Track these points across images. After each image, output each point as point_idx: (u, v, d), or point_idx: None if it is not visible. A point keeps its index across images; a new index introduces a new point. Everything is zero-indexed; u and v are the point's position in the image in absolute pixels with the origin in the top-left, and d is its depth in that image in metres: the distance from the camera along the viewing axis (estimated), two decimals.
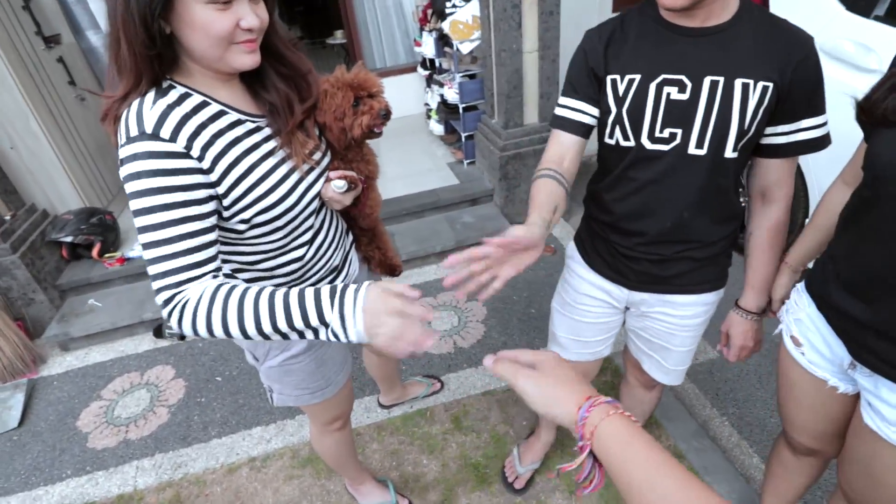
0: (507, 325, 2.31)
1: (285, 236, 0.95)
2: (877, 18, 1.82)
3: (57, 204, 2.78)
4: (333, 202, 1.00)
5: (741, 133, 0.91)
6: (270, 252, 0.96)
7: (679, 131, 0.93)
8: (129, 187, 0.74)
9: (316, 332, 0.74)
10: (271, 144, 0.88)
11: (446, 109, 3.32)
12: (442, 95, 3.29)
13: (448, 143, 3.56)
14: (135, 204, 0.73)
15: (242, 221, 0.87)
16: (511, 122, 2.71)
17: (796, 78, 0.88)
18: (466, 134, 3.13)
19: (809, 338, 0.97)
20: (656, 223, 1.04)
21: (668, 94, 0.92)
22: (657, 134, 0.95)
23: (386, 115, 1.04)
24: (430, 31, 3.21)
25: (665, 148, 0.95)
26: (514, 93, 2.62)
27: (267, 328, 0.73)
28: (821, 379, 0.97)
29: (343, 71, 1.01)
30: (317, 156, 0.97)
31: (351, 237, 1.23)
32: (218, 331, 0.74)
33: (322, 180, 0.98)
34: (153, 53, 0.74)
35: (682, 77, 0.91)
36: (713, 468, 1.66)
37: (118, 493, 1.81)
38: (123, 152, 0.74)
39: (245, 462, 1.86)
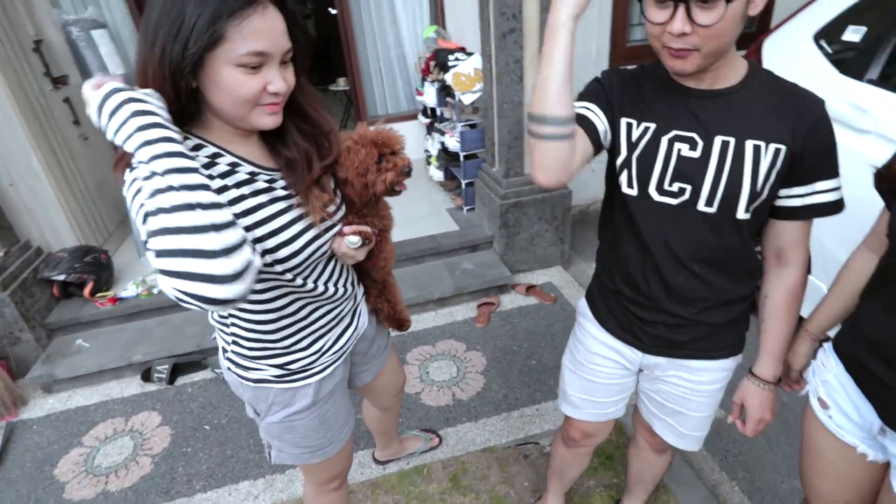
0: (507, 376, 2.26)
1: (284, 285, 0.93)
2: (870, 82, 1.88)
3: (52, 241, 2.74)
4: (346, 258, 0.98)
5: (753, 195, 0.90)
6: (270, 301, 0.94)
7: (688, 187, 0.93)
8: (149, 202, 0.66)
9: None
10: (286, 200, 0.88)
11: (446, 157, 3.37)
12: (443, 143, 3.34)
13: (448, 189, 3.59)
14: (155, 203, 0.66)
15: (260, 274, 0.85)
16: (512, 172, 2.75)
17: (809, 141, 0.87)
18: (467, 181, 3.16)
19: (837, 400, 0.94)
20: (667, 275, 1.01)
21: (679, 150, 0.92)
22: (666, 186, 0.94)
23: (408, 171, 1.05)
24: (433, 81, 3.29)
25: (673, 202, 0.94)
26: (516, 143, 2.67)
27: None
28: (849, 445, 0.93)
29: (366, 128, 1.03)
30: (331, 208, 0.96)
31: (362, 289, 1.21)
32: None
33: (333, 232, 0.97)
34: (175, 108, 0.75)
35: (694, 135, 0.91)
36: None
37: None
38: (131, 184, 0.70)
39: None
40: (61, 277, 2.53)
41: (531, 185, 2.78)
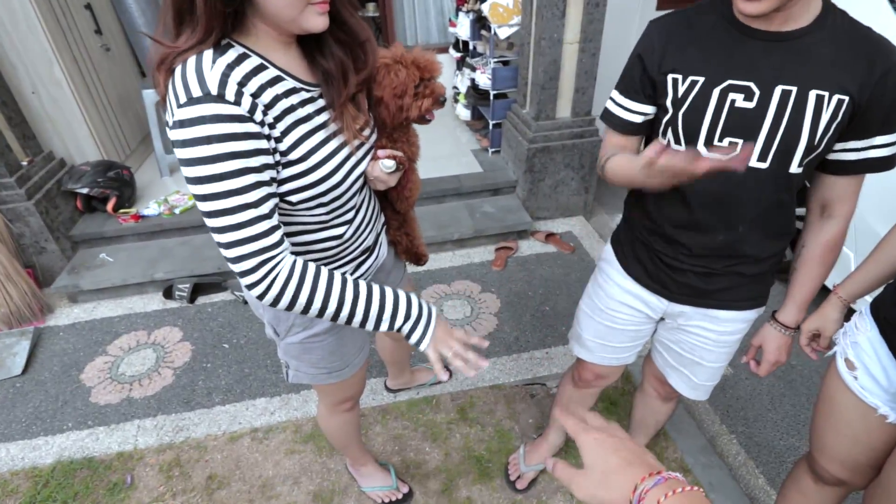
0: (519, 320, 2.27)
1: (329, 212, 0.91)
2: None
3: (74, 154, 2.74)
4: (378, 182, 0.96)
5: (809, 148, 0.85)
6: (311, 226, 0.92)
7: (740, 142, 0.87)
8: (195, 152, 0.69)
9: (395, 327, 0.87)
10: (323, 117, 0.84)
11: (476, 94, 3.25)
12: (473, 80, 3.22)
13: (474, 129, 3.49)
14: (202, 170, 0.69)
15: (290, 192, 0.83)
16: (543, 114, 2.65)
17: (877, 93, 0.82)
18: (494, 122, 3.06)
19: (866, 362, 0.94)
20: (708, 236, 0.98)
21: (733, 101, 0.86)
22: (715, 142, 0.89)
23: (443, 101, 1.00)
24: (468, 12, 3.12)
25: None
26: (550, 84, 2.55)
27: (358, 318, 0.84)
28: (871, 406, 0.94)
29: (403, 48, 0.97)
30: (366, 132, 0.92)
31: (383, 219, 1.19)
32: (315, 310, 0.81)
33: (368, 158, 0.94)
34: (230, 10, 0.71)
35: (751, 84, 0.85)
36: (719, 485, 1.64)
37: (118, 451, 1.81)
38: (185, 113, 0.68)
39: (247, 432, 1.85)
40: (85, 191, 2.55)
41: (561, 130, 2.69)
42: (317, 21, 0.76)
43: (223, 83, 0.70)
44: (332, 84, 0.85)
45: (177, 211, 2.68)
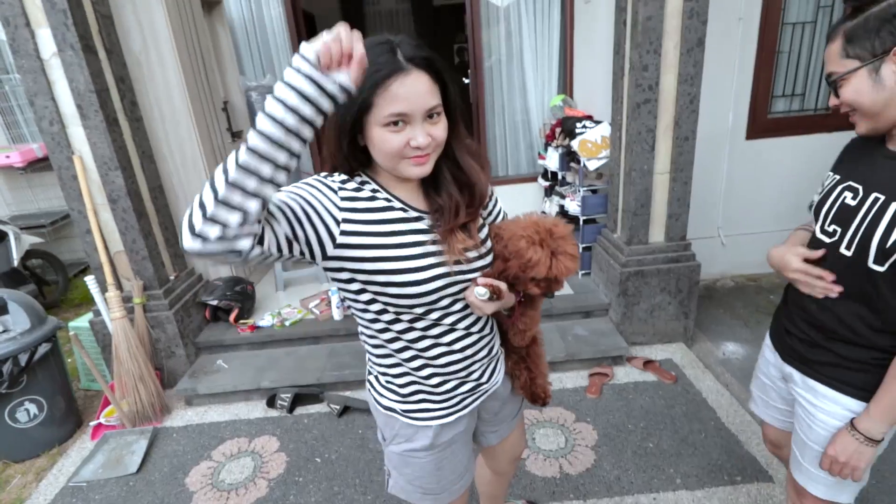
0: (620, 456, 2.11)
1: (420, 320, 1.00)
2: None
3: (210, 270, 3.16)
4: (474, 307, 1.02)
5: (883, 252, 0.97)
6: (398, 335, 1.01)
7: (839, 230, 1.06)
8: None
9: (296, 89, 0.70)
10: (426, 234, 0.97)
11: (565, 220, 3.37)
12: (562, 205, 3.36)
13: None
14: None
15: (369, 292, 0.96)
16: (635, 239, 2.68)
17: None
18: (584, 245, 3.13)
19: None
20: (806, 304, 1.15)
21: (844, 198, 1.07)
22: (825, 226, 1.10)
23: (551, 296, 1.12)
24: (556, 147, 3.37)
25: (826, 240, 1.10)
26: (642, 211, 2.61)
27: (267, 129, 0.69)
28: None
29: (550, 223, 1.06)
30: (472, 255, 1.01)
31: (501, 349, 1.23)
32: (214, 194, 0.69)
33: (467, 276, 1.01)
34: (342, 158, 0.95)
35: (859, 186, 1.05)
36: None
37: None
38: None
39: None
40: (215, 302, 2.88)
41: (655, 255, 2.68)
42: (413, 171, 0.91)
43: (333, 179, 0.94)
44: (443, 215, 0.98)
45: (287, 323, 2.92)
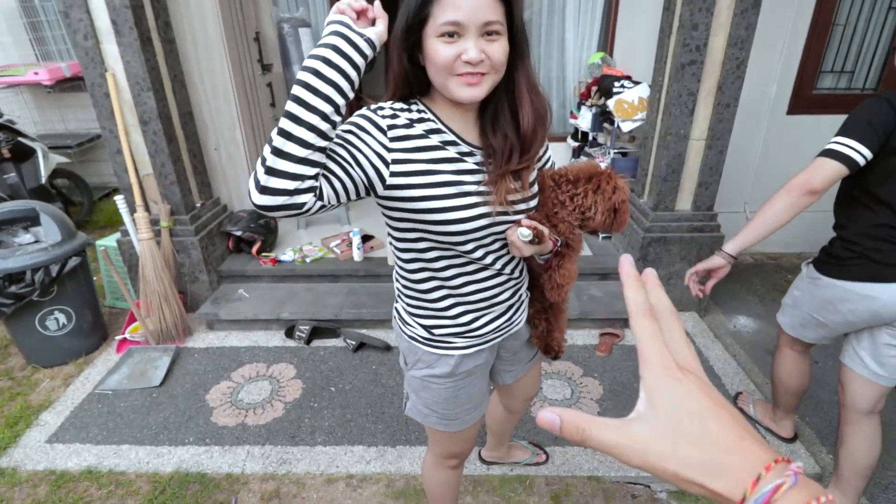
0: (624, 410, 2.15)
1: (453, 254, 1.02)
2: None
3: (235, 202, 3.19)
4: (514, 247, 1.01)
5: None
6: (421, 252, 1.04)
7: None
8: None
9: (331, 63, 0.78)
10: (476, 174, 0.96)
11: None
12: None
13: None
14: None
15: (412, 225, 0.97)
16: (661, 205, 2.66)
17: None
18: None
19: None
20: None
21: None
22: None
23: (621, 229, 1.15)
24: (591, 106, 3.29)
25: None
26: (672, 177, 2.58)
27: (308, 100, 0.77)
28: None
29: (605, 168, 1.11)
30: (519, 206, 1.01)
31: (527, 292, 1.25)
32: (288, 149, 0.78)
33: (510, 219, 1.01)
34: (405, 77, 0.93)
35: None
36: None
37: (227, 472, 1.94)
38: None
39: (343, 476, 1.90)
40: (238, 233, 2.94)
41: (679, 222, 2.66)
42: (463, 92, 0.88)
43: (386, 116, 0.91)
44: (495, 158, 0.96)
45: (308, 259, 2.98)
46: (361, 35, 0.80)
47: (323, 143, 0.79)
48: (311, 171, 0.80)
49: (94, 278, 2.76)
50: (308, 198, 0.81)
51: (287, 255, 3.01)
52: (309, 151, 0.78)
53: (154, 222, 2.69)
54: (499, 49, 0.87)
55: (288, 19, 3.37)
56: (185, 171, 2.77)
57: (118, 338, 2.69)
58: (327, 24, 0.80)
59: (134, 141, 2.61)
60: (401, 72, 0.92)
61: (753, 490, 0.30)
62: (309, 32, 3.41)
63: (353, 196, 0.90)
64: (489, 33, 0.85)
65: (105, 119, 2.53)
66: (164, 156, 2.61)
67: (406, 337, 1.17)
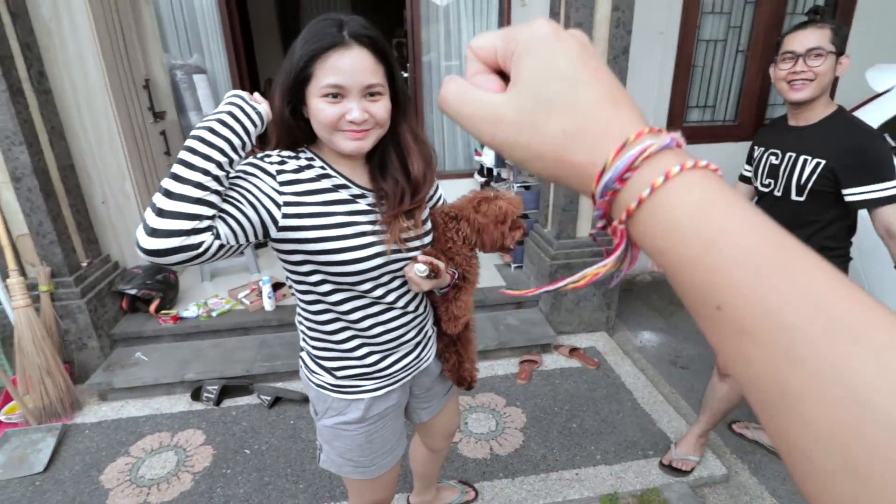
0: (546, 436, 2.23)
1: (352, 293, 1.03)
2: None
3: (128, 257, 2.96)
4: (412, 283, 1.05)
5: (799, 187, 1.54)
6: (325, 295, 1.03)
7: (772, 181, 1.64)
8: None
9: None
10: (369, 215, 0.99)
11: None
12: None
13: None
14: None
15: (308, 262, 0.98)
16: (564, 234, 2.82)
17: (847, 159, 1.44)
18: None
19: None
20: None
21: (770, 160, 1.65)
22: (763, 181, 1.68)
23: (527, 233, 1.19)
24: None
25: (766, 191, 1.67)
26: (570, 207, 2.76)
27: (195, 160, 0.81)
28: None
29: (493, 191, 1.17)
30: (413, 243, 1.05)
31: (433, 329, 1.27)
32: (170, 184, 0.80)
33: (405, 255, 1.05)
34: (288, 128, 0.96)
35: (778, 151, 1.62)
36: None
37: None
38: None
39: None
40: (133, 291, 2.71)
41: (581, 248, 2.84)
42: (348, 145, 0.93)
43: (272, 161, 0.94)
44: (387, 201, 1.00)
45: (214, 313, 2.81)
46: (253, 107, 0.89)
47: (217, 187, 0.81)
48: (209, 210, 0.81)
49: None
50: (206, 237, 0.81)
51: (190, 310, 2.82)
52: (204, 193, 0.80)
53: (31, 287, 2.42)
54: (381, 108, 0.93)
55: (181, 66, 3.26)
56: (68, 228, 2.54)
57: None
58: (223, 103, 0.89)
59: (5, 199, 2.36)
60: (283, 124, 0.95)
61: (615, 158, 0.25)
62: (205, 79, 3.31)
63: (250, 237, 0.90)
64: (371, 94, 0.91)
65: None
66: (42, 213, 2.37)
67: (314, 385, 1.15)
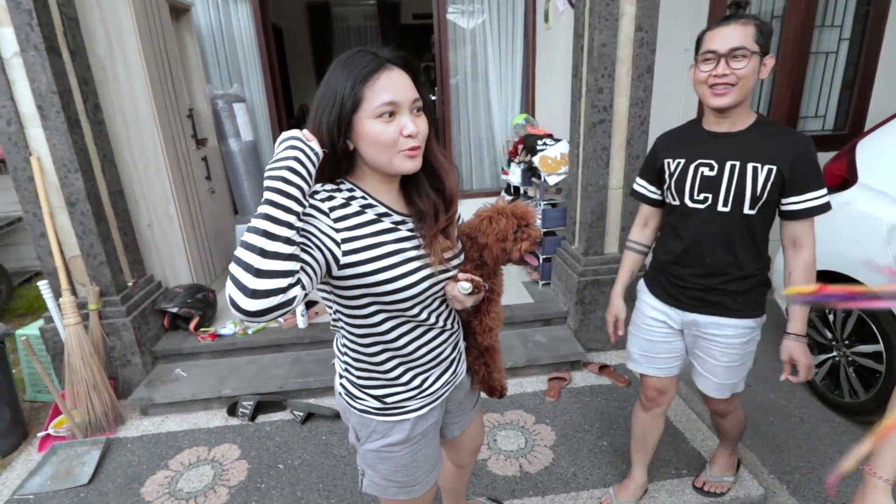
0: (577, 454, 2.20)
1: (402, 318, 1.05)
2: None
3: (170, 277, 3.10)
4: (455, 301, 1.09)
5: (755, 198, 1.37)
6: (374, 326, 1.05)
7: (710, 195, 1.42)
8: None
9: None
10: (409, 241, 1.02)
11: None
12: None
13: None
14: None
15: (366, 295, 0.99)
16: (591, 250, 2.82)
17: (796, 165, 1.33)
18: (545, 256, 3.26)
19: None
20: (700, 258, 1.47)
21: (702, 172, 1.43)
22: (695, 196, 1.45)
23: (540, 242, 1.19)
24: (519, 163, 3.52)
25: (701, 207, 1.44)
26: (598, 223, 2.77)
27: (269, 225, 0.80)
28: None
29: (505, 201, 1.18)
30: (453, 261, 1.09)
31: (464, 342, 1.30)
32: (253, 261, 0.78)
33: (448, 275, 1.09)
34: (336, 162, 0.97)
35: (712, 161, 1.42)
36: None
37: None
38: None
39: None
40: (174, 310, 2.83)
41: (609, 265, 2.83)
42: (407, 164, 0.97)
43: (321, 199, 0.96)
44: (425, 220, 1.04)
45: (250, 331, 2.90)
46: (311, 147, 0.89)
47: (300, 239, 0.84)
48: (298, 265, 0.82)
49: (14, 371, 2.55)
50: (297, 290, 0.81)
51: (227, 328, 2.92)
52: (294, 248, 0.81)
53: (81, 306, 2.56)
54: (424, 123, 0.99)
55: (222, 95, 3.45)
56: (116, 249, 2.68)
57: (40, 435, 2.47)
58: (280, 143, 0.89)
59: (60, 223, 2.52)
60: (332, 158, 0.96)
61: None
62: (244, 107, 3.49)
63: (321, 279, 0.92)
64: (416, 109, 0.96)
65: (28, 202, 2.44)
66: (93, 236, 2.53)
67: (356, 412, 1.16)
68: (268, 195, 0.81)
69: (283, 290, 0.79)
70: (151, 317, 2.84)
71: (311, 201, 0.94)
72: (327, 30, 6.72)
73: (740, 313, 1.49)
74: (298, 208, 0.83)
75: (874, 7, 3.37)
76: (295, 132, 0.89)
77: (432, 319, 1.10)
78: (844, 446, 2.17)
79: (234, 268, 0.78)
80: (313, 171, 0.87)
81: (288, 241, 0.80)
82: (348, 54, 0.95)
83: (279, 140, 0.90)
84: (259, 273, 0.77)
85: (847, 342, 2.30)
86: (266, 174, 0.84)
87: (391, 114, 0.93)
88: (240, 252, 0.79)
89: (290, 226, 0.81)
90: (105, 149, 2.64)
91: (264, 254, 0.78)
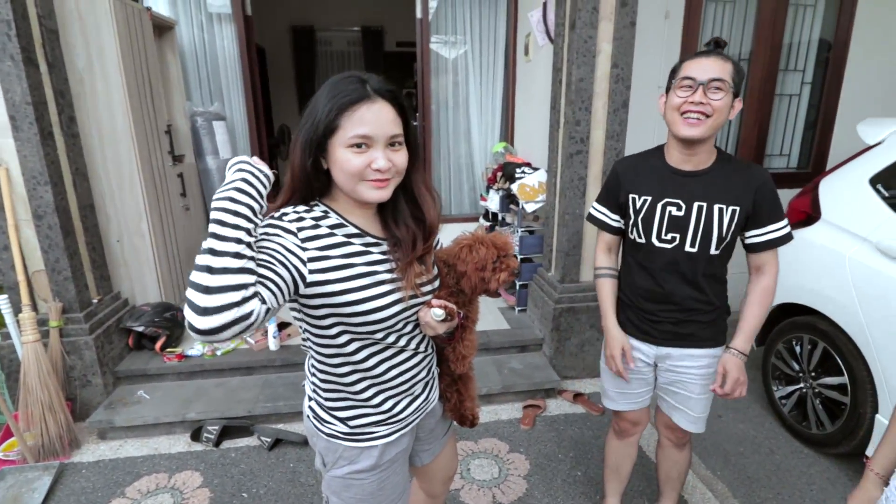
0: (550, 484, 2.17)
1: (372, 342, 1.04)
2: None
3: (138, 295, 3.01)
4: (428, 327, 1.08)
5: (721, 239, 1.41)
6: (342, 346, 1.04)
7: (678, 235, 1.43)
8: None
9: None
10: (384, 263, 1.02)
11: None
12: None
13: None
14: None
15: (332, 315, 0.98)
16: (568, 278, 2.85)
17: (757, 199, 1.37)
18: (521, 283, 3.28)
19: None
20: (669, 296, 1.48)
21: (670, 211, 1.42)
22: (662, 236, 1.45)
23: (517, 273, 1.19)
24: (498, 189, 3.57)
25: (668, 246, 1.45)
26: (574, 251, 2.81)
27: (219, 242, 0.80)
28: None
29: (484, 230, 1.19)
30: (426, 288, 1.09)
31: (437, 369, 1.28)
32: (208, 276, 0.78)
33: (419, 300, 1.07)
34: (307, 180, 0.98)
35: (679, 201, 1.42)
36: None
37: None
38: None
39: None
40: (140, 328, 2.74)
41: (585, 293, 2.86)
42: (372, 194, 0.98)
43: (290, 219, 0.96)
44: (401, 247, 1.04)
45: (219, 353, 2.82)
46: (260, 169, 0.91)
47: (252, 254, 0.83)
48: (251, 277, 0.81)
49: None
50: (255, 304, 0.80)
51: (195, 349, 2.83)
52: (243, 261, 0.80)
53: (41, 322, 2.46)
54: (402, 157, 0.99)
55: (202, 113, 3.43)
56: (83, 265, 2.60)
57: None
58: (230, 168, 0.91)
59: (25, 236, 2.44)
60: (304, 176, 0.98)
61: None
62: (223, 125, 3.47)
63: (287, 296, 0.91)
64: (392, 144, 0.97)
65: None
66: (59, 250, 2.44)
67: (324, 436, 1.13)
68: (214, 214, 0.82)
69: (237, 304, 0.78)
70: (116, 335, 2.74)
71: (279, 222, 0.94)
72: (311, 53, 6.78)
73: (711, 342, 1.53)
74: (248, 224, 0.83)
75: (834, 54, 3.59)
76: (244, 157, 0.92)
77: (402, 342, 1.08)
78: (813, 478, 2.20)
79: (188, 290, 0.78)
80: (263, 192, 0.89)
81: (237, 255, 0.80)
82: (339, 77, 0.97)
83: (229, 165, 0.92)
84: (208, 290, 0.76)
85: (814, 374, 2.36)
86: (214, 197, 0.85)
87: (362, 145, 0.94)
88: (192, 274, 0.79)
89: (237, 241, 0.80)
90: (78, 162, 2.58)
91: (211, 270, 0.77)
